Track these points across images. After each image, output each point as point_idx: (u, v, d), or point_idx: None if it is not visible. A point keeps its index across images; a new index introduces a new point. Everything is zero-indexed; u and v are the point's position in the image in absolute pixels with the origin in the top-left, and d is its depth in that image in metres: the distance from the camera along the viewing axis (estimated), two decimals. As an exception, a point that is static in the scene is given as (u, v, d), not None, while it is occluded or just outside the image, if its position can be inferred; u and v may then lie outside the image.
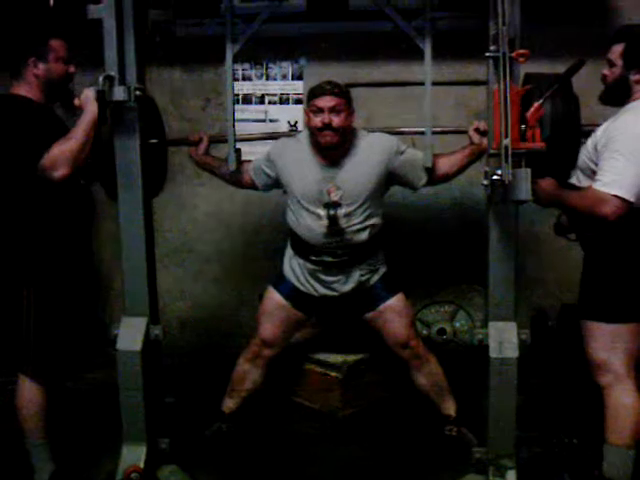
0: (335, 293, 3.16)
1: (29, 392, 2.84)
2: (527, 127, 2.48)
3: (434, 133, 3.00)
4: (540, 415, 3.36)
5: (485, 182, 2.58)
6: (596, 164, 2.56)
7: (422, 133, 3.01)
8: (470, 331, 3.90)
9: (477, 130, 3.00)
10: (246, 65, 4.04)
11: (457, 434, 3.15)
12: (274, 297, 3.23)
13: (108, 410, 3.00)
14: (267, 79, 4.12)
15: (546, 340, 3.83)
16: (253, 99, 4.14)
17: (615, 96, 2.65)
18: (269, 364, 3.27)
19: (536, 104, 2.52)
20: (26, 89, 2.77)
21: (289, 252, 3.23)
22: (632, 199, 2.44)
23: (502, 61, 2.37)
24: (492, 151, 2.51)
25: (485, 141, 2.82)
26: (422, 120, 2.97)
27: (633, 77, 2.58)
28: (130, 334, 2.84)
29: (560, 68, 2.74)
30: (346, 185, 3.01)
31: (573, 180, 2.73)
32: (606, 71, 2.67)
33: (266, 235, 4.38)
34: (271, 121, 4.07)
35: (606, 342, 2.65)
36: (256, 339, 3.25)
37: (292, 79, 4.10)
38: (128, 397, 2.86)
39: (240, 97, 4.12)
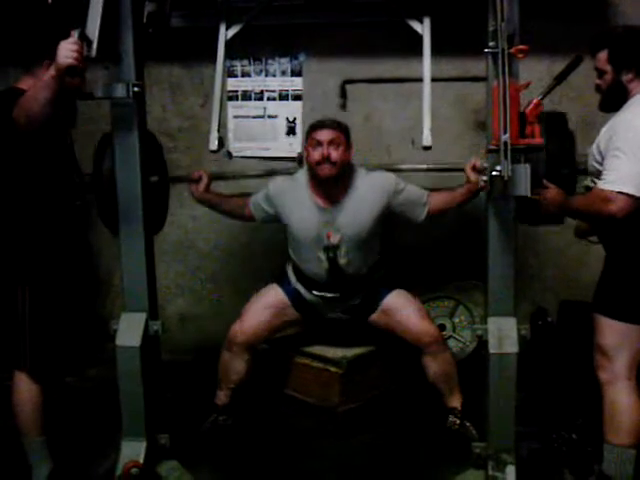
0: (338, 311, 3.29)
1: (25, 389, 2.83)
2: (526, 123, 2.48)
3: (430, 170, 3.08)
4: (540, 411, 3.37)
5: (484, 178, 2.59)
6: (602, 165, 2.56)
7: (421, 170, 3.13)
8: (470, 327, 3.90)
9: (474, 168, 2.98)
10: (245, 61, 4.03)
11: (460, 427, 3.15)
12: (277, 292, 3.28)
13: (108, 406, 3.00)
14: (266, 75, 4.11)
15: (546, 336, 3.84)
16: (252, 95, 4.13)
17: (614, 101, 2.63)
18: (252, 354, 3.25)
19: (535, 100, 2.52)
20: (31, 85, 2.74)
21: (292, 275, 3.29)
22: (638, 194, 2.43)
23: (501, 57, 2.36)
24: (491, 147, 2.51)
25: (482, 179, 2.81)
26: (421, 117, 2.97)
27: (625, 77, 2.57)
28: (129, 330, 2.83)
29: (559, 65, 2.75)
30: (345, 227, 3.08)
31: (588, 182, 2.72)
32: (598, 81, 2.66)
33: (265, 232, 4.36)
34: (270, 117, 4.06)
35: (614, 339, 2.64)
36: (233, 328, 3.24)
37: (291, 75, 4.08)
38: (128, 393, 2.86)
39: (239, 93, 4.11)
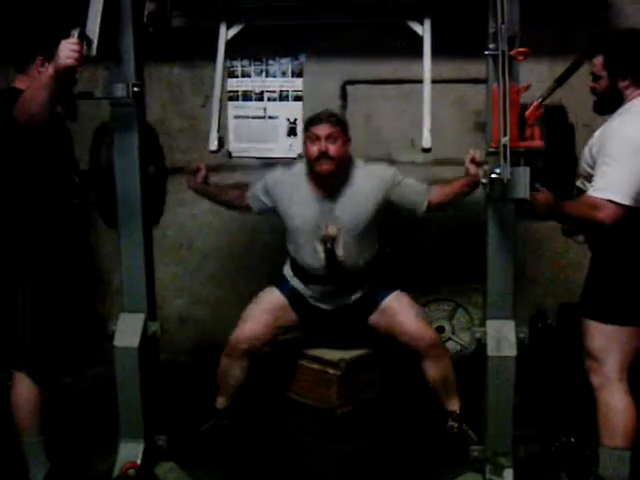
0: (334, 307, 3.24)
1: (24, 389, 2.82)
2: (526, 125, 2.48)
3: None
4: (538, 414, 3.36)
5: (484, 180, 2.58)
6: (593, 169, 2.56)
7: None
8: (469, 329, 3.89)
9: (473, 161, 2.97)
10: (245, 62, 4.03)
11: (459, 431, 3.14)
12: (275, 294, 3.26)
13: (106, 407, 3.00)
14: (267, 76, 4.11)
15: (545, 338, 3.83)
16: (252, 96, 4.13)
17: (609, 105, 2.63)
18: (251, 360, 3.22)
19: (535, 103, 2.52)
20: (28, 84, 2.74)
21: (289, 270, 3.28)
22: (627, 202, 2.43)
23: (501, 59, 2.36)
24: (491, 149, 2.50)
25: (481, 172, 2.80)
26: (421, 118, 2.98)
27: (622, 84, 2.57)
28: (128, 330, 2.84)
29: (560, 67, 2.75)
30: (343, 219, 3.07)
31: (578, 184, 2.72)
32: (592, 84, 2.66)
33: (265, 232, 4.37)
34: (270, 118, 4.06)
35: (602, 342, 2.64)
36: (234, 334, 3.21)
37: (292, 76, 4.08)
38: (125, 394, 2.86)
39: (239, 94, 4.11)
